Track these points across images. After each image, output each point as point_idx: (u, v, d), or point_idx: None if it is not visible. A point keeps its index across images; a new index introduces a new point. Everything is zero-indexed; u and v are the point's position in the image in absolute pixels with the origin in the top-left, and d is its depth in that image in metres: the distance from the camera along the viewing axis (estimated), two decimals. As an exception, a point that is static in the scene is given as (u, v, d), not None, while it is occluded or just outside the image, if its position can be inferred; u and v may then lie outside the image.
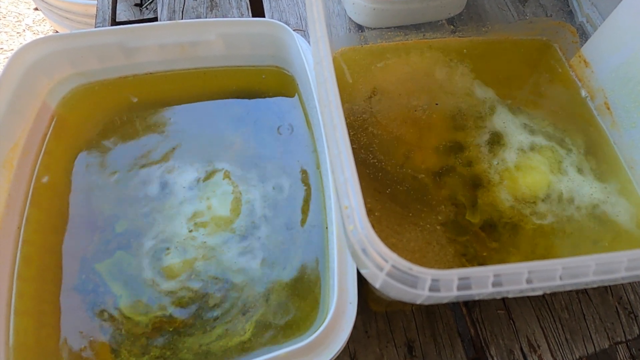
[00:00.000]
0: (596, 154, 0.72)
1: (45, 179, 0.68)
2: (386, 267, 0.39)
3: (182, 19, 0.91)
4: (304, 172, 0.69)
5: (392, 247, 0.54)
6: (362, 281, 0.50)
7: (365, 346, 0.62)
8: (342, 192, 0.43)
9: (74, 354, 0.57)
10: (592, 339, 0.63)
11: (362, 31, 0.84)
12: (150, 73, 0.77)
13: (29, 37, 2.08)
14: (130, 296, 0.60)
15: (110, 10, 0.95)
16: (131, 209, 0.66)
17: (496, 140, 0.71)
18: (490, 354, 0.62)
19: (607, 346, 0.63)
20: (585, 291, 0.67)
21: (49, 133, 0.71)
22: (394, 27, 0.82)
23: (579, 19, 0.82)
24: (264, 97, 0.76)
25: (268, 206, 0.66)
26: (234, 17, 0.91)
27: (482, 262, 0.60)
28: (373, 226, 0.41)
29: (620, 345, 0.65)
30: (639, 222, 0.66)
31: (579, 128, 0.74)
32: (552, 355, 0.62)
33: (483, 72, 0.78)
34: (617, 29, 0.71)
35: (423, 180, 0.66)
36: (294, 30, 0.69)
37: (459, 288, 0.39)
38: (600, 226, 0.65)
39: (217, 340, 0.57)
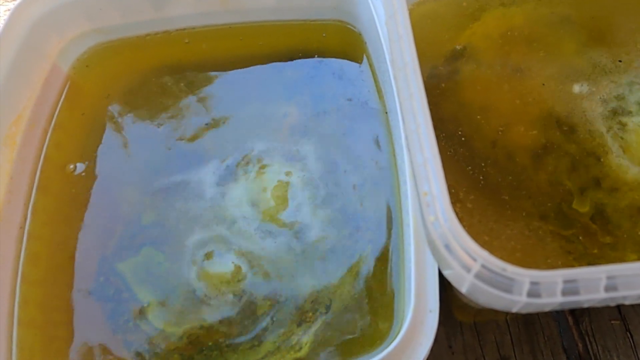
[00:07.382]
0: None
1: (56, 159, 0.65)
2: (475, 267, 0.38)
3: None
4: (373, 150, 0.65)
5: (484, 245, 0.49)
6: (445, 285, 0.47)
7: (448, 363, 0.58)
8: (421, 175, 0.42)
9: (90, 374, 0.54)
10: None
11: (445, -24, 0.79)
12: (184, 29, 0.74)
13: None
14: (160, 303, 0.57)
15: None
16: (160, 196, 0.63)
17: (617, 109, 0.65)
18: (602, 373, 0.60)
19: None
20: None
21: (61, 102, 0.68)
22: (486, -28, 0.76)
23: None
24: (325, 58, 0.73)
25: (329, 192, 0.62)
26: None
27: (592, 262, 0.55)
28: (462, 220, 0.39)
29: None
30: None
31: None
32: (678, 374, 0.58)
33: (597, 28, 0.72)
34: None
35: (522, 162, 0.61)
36: (361, -24, 0.65)
37: (564, 293, 0.37)
38: None
39: (266, 357, 0.54)
